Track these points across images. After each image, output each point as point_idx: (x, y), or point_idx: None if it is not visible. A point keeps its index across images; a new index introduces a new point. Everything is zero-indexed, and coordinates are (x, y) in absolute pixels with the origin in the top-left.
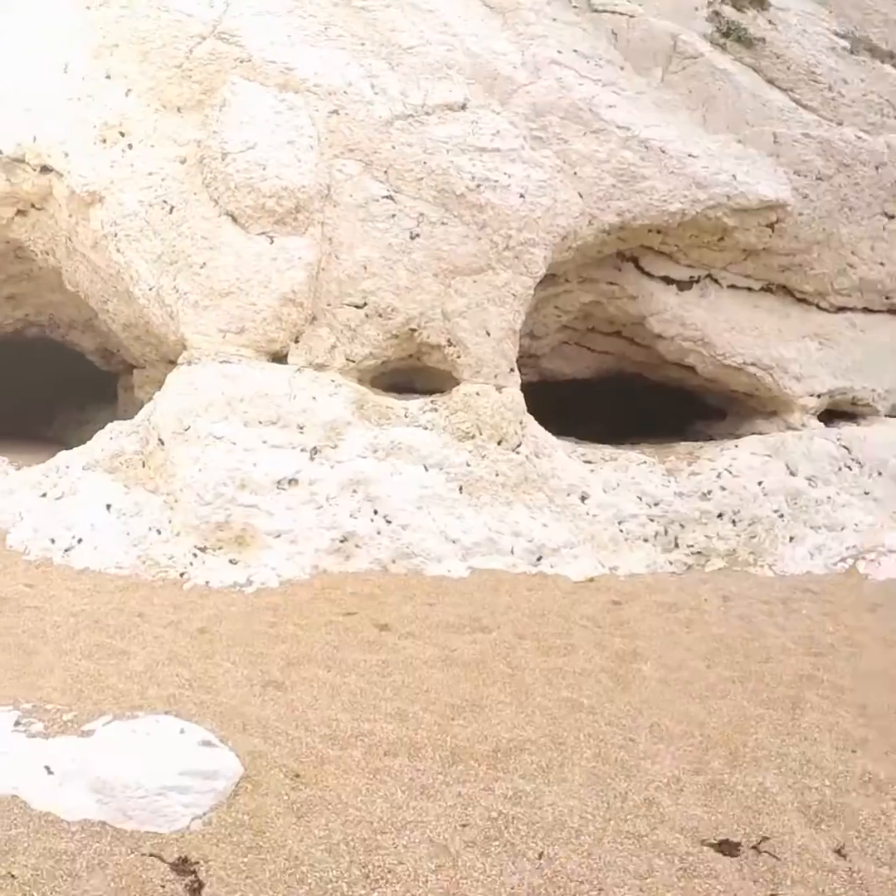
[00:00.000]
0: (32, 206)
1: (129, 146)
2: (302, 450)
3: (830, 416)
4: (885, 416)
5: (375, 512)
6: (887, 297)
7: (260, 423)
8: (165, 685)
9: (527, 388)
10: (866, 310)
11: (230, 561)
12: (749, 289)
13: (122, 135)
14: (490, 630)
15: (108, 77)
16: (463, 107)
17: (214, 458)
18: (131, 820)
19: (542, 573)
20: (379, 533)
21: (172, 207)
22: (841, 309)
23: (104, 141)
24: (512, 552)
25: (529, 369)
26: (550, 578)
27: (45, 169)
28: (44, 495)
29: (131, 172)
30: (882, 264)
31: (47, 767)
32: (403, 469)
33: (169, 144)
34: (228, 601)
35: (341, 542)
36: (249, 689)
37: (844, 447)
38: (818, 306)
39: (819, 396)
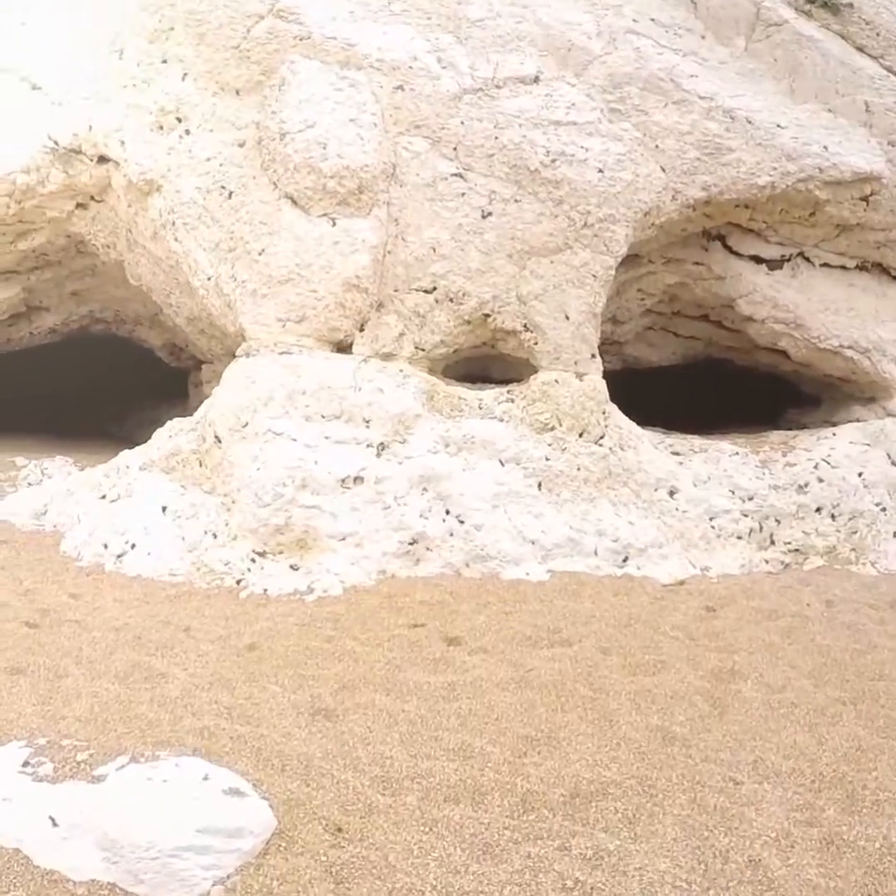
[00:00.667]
0: (92, 198)
1: (187, 132)
2: (368, 445)
3: None
4: None
5: (447, 511)
6: None
7: (323, 417)
8: (201, 714)
9: (610, 377)
10: None
11: (291, 567)
12: (843, 267)
13: (179, 120)
14: (570, 643)
15: (165, 61)
16: (535, 80)
17: (274, 456)
18: (142, 884)
19: (627, 575)
20: (451, 534)
21: (231, 193)
22: None
23: (161, 127)
24: (595, 553)
25: (612, 356)
26: (637, 581)
27: (102, 159)
28: (103, 497)
29: (189, 158)
30: None
31: (52, 818)
32: (477, 464)
33: (227, 128)
34: (286, 612)
35: (410, 544)
36: (295, 718)
37: None
38: None
39: None
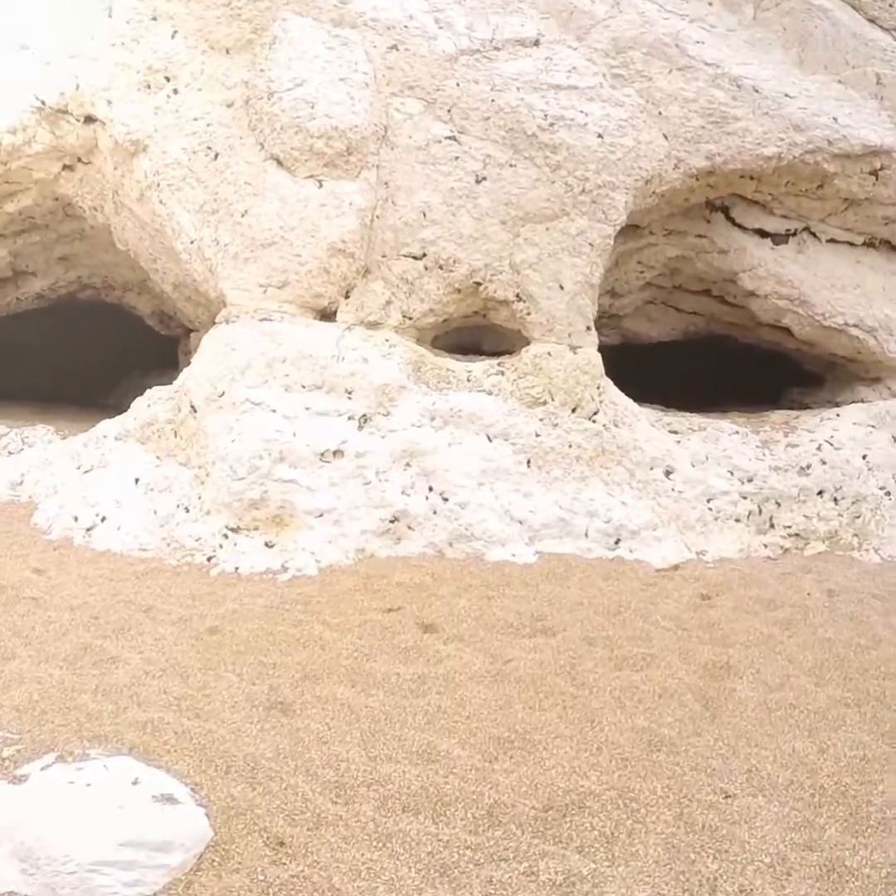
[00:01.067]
0: (79, 159)
1: (175, 91)
2: (349, 417)
3: None
4: None
5: (431, 488)
6: None
7: (303, 387)
8: (148, 705)
9: (607, 351)
10: None
11: (265, 544)
12: (850, 243)
13: (168, 79)
14: (554, 632)
15: (154, 19)
16: (536, 42)
17: (250, 428)
18: None
19: (619, 558)
20: (434, 512)
21: (217, 154)
22: None
23: (149, 86)
24: (586, 535)
25: (610, 331)
26: (629, 565)
27: (89, 119)
28: (79, 468)
29: (176, 119)
30: None
31: None
32: (464, 439)
33: (216, 88)
34: (255, 592)
35: (391, 522)
36: (249, 712)
37: None
38: None
39: None
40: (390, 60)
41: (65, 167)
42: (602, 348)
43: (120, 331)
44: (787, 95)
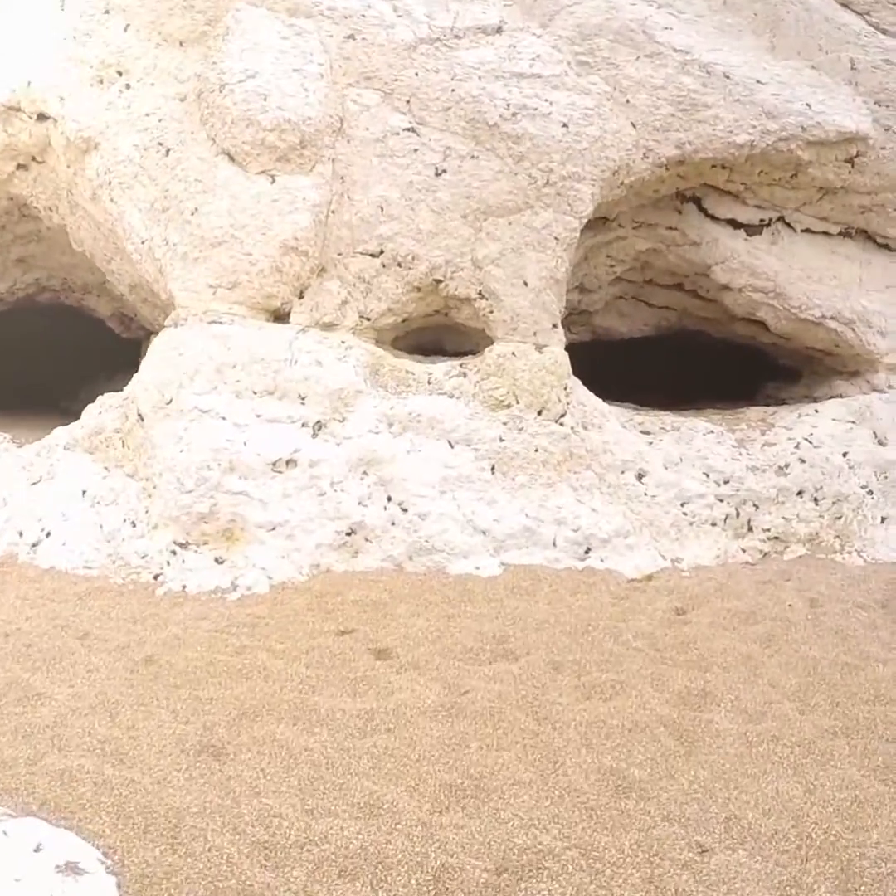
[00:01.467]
0: (33, 158)
1: (127, 86)
2: (303, 424)
3: None
4: None
5: (389, 498)
6: None
7: (254, 393)
8: (69, 750)
9: (578, 349)
10: None
11: (215, 560)
12: (826, 233)
13: (120, 74)
14: (517, 657)
15: (107, 12)
16: (498, 30)
17: (199, 436)
18: None
19: (589, 569)
20: (393, 524)
21: (168, 150)
22: None
23: (101, 82)
24: (554, 544)
25: (580, 327)
26: (600, 576)
27: (41, 116)
28: (28, 479)
29: (128, 114)
30: None
31: None
32: (424, 446)
33: (169, 82)
34: (201, 613)
35: (348, 535)
36: (177, 757)
37: None
38: None
39: None
40: (347, 50)
41: (19, 166)
42: (571, 346)
43: (87, 333)
44: (758, 82)
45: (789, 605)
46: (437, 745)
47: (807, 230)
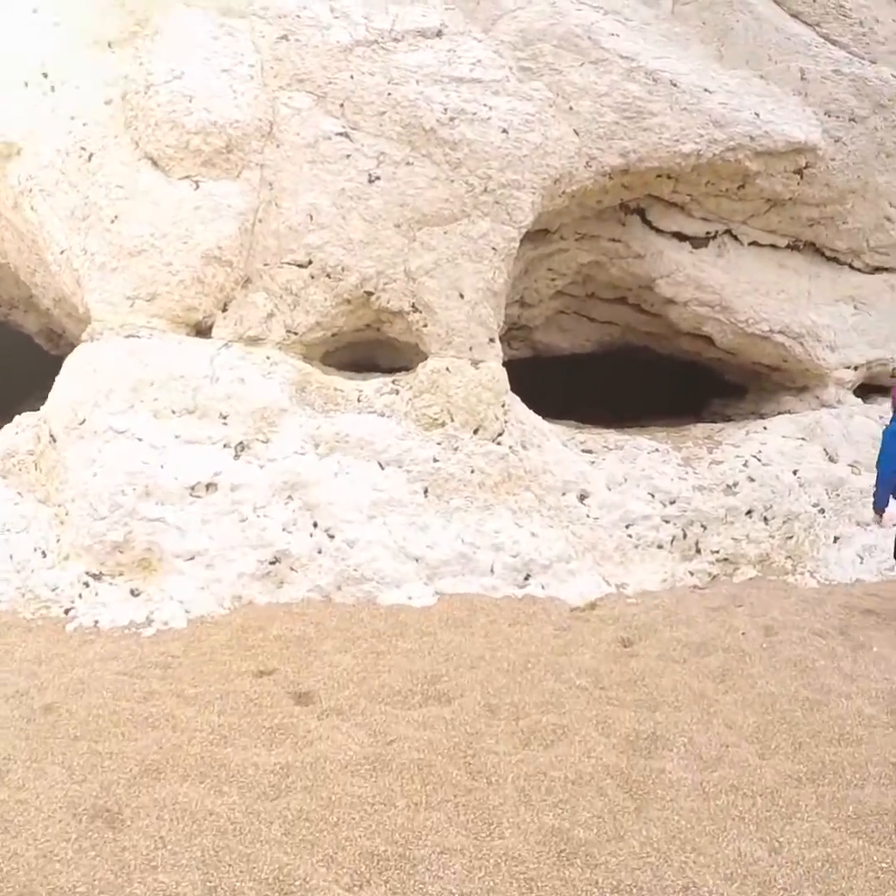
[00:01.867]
0: None
1: (52, 88)
2: (224, 446)
3: (866, 391)
4: None
5: (315, 524)
6: None
7: (173, 412)
8: None
9: (518, 366)
10: None
11: (131, 592)
12: (773, 246)
13: (46, 76)
14: (450, 698)
15: (35, 11)
16: (438, 33)
17: (113, 459)
18: None
19: (530, 597)
20: (319, 551)
21: (91, 155)
22: (878, 269)
23: (26, 84)
24: (491, 571)
25: (520, 343)
26: (540, 604)
27: None
28: None
29: (53, 118)
30: None
31: None
32: (352, 468)
33: (96, 84)
34: (111, 653)
35: (271, 564)
36: (67, 824)
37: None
38: (851, 266)
39: (856, 368)
40: (279, 51)
41: None
42: (511, 362)
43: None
44: (706, 90)
45: (743, 634)
46: (359, 805)
47: (754, 243)
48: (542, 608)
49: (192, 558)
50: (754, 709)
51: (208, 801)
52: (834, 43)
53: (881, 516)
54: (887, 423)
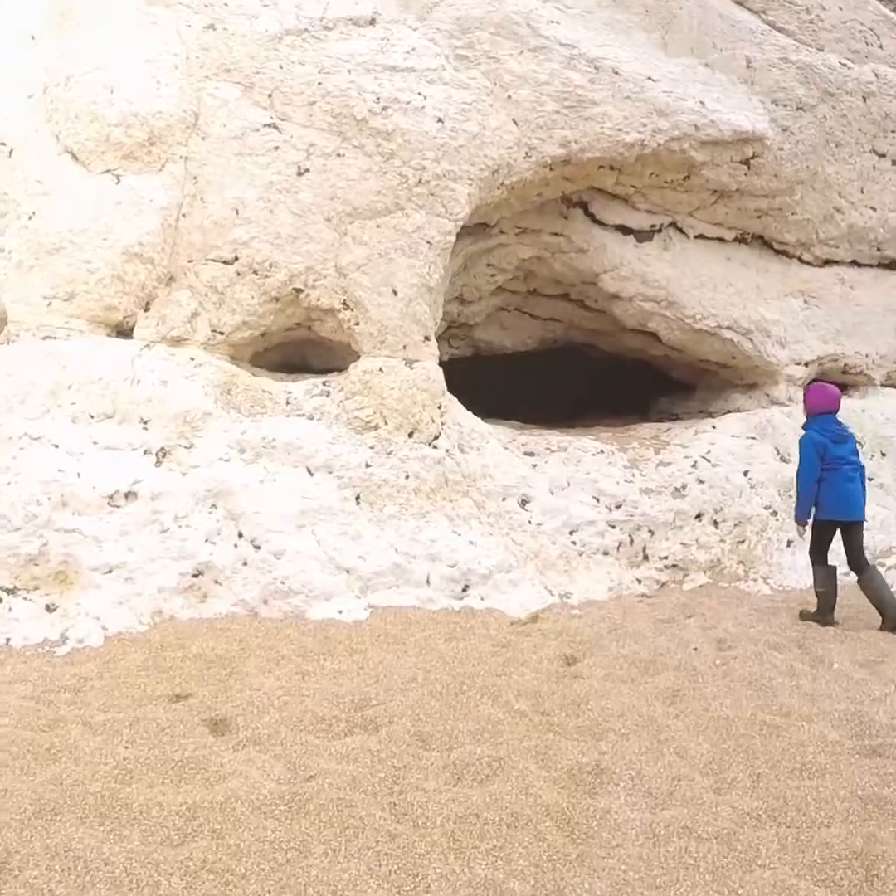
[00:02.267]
0: None
1: None
2: (145, 452)
3: None
4: (881, 385)
5: (240, 534)
6: (879, 249)
7: (91, 417)
8: None
9: (458, 365)
10: (855, 263)
11: (46, 607)
12: (720, 239)
13: None
14: (378, 726)
15: None
16: (371, 22)
17: (28, 467)
18: None
19: (468, 609)
20: (244, 563)
21: (12, 149)
22: (828, 262)
23: None
24: (427, 582)
25: (460, 341)
26: (479, 617)
27: None
28: None
29: None
30: (873, 209)
31: None
32: (280, 474)
33: (18, 78)
34: (20, 675)
35: (194, 576)
36: None
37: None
38: (800, 259)
39: (807, 364)
40: (206, 41)
41: None
42: (454, 362)
43: None
44: (649, 79)
45: (694, 649)
46: (270, 853)
47: (700, 236)
48: (480, 621)
49: (110, 571)
50: (708, 735)
51: (106, 847)
52: (780, 30)
53: (804, 527)
54: (843, 424)
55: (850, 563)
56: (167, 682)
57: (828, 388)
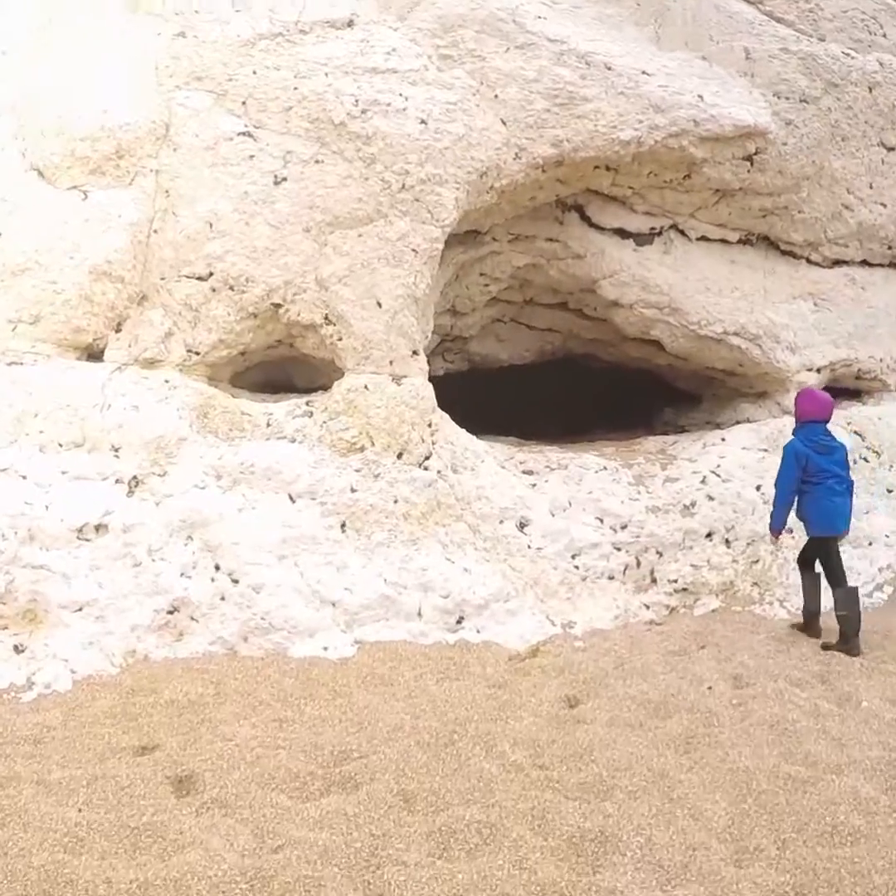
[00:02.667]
0: None
1: None
2: (116, 481)
3: (830, 394)
4: None
5: (217, 567)
6: (890, 248)
7: (60, 446)
8: None
9: (453, 379)
10: (866, 263)
11: (15, 648)
12: (724, 241)
13: None
14: (357, 784)
15: None
16: (349, 23)
17: None
18: None
19: (463, 642)
20: (222, 598)
21: None
22: (837, 263)
23: None
24: (419, 614)
25: (454, 355)
26: (475, 652)
27: None
28: None
29: None
30: (883, 206)
31: None
32: (259, 502)
33: None
34: None
35: (169, 613)
36: None
37: (856, 433)
38: (808, 260)
39: (819, 370)
40: (176, 49)
41: None
42: (449, 376)
43: None
44: (644, 73)
45: (709, 688)
46: None
47: (703, 238)
48: (476, 657)
49: (79, 609)
50: (726, 791)
51: None
52: (779, 20)
53: (777, 538)
54: (832, 434)
55: (827, 576)
56: (134, 732)
57: (818, 394)
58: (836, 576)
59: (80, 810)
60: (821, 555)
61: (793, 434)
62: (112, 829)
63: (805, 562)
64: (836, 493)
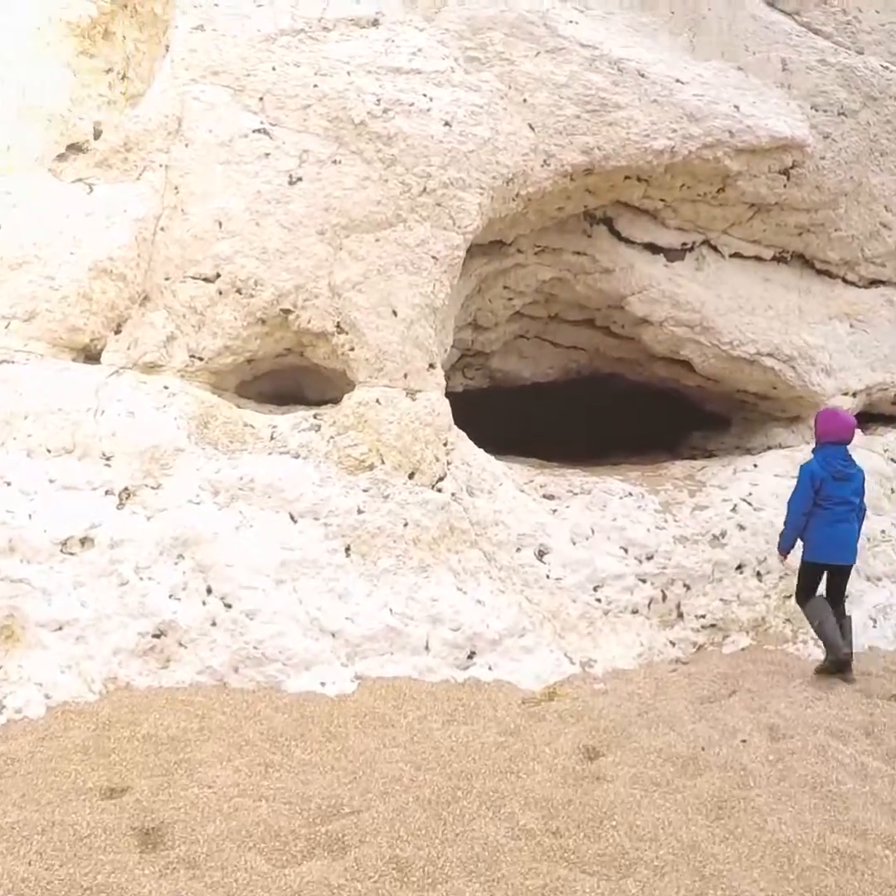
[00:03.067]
0: None
1: None
2: (106, 492)
3: (864, 420)
4: None
5: (209, 590)
6: None
7: (49, 451)
8: None
9: (473, 396)
10: None
11: None
12: (758, 258)
13: None
14: (345, 847)
15: None
16: (374, 22)
17: None
18: None
19: (474, 681)
20: (213, 624)
21: None
22: (874, 282)
23: None
24: (426, 648)
25: (475, 371)
26: (485, 692)
27: None
28: None
29: None
30: None
31: None
32: (257, 520)
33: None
34: None
35: (155, 637)
36: None
37: (894, 460)
38: (845, 279)
39: (854, 395)
40: (193, 42)
41: None
42: (469, 393)
43: None
44: (678, 81)
45: (742, 741)
46: None
47: (736, 255)
48: (487, 698)
49: (59, 628)
50: (765, 868)
51: None
52: (816, 32)
53: (785, 558)
54: (853, 459)
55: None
56: (104, 770)
57: (840, 415)
58: (806, 597)
59: (30, 863)
60: (806, 579)
61: (812, 453)
62: (62, 889)
63: (805, 597)
64: (841, 520)
